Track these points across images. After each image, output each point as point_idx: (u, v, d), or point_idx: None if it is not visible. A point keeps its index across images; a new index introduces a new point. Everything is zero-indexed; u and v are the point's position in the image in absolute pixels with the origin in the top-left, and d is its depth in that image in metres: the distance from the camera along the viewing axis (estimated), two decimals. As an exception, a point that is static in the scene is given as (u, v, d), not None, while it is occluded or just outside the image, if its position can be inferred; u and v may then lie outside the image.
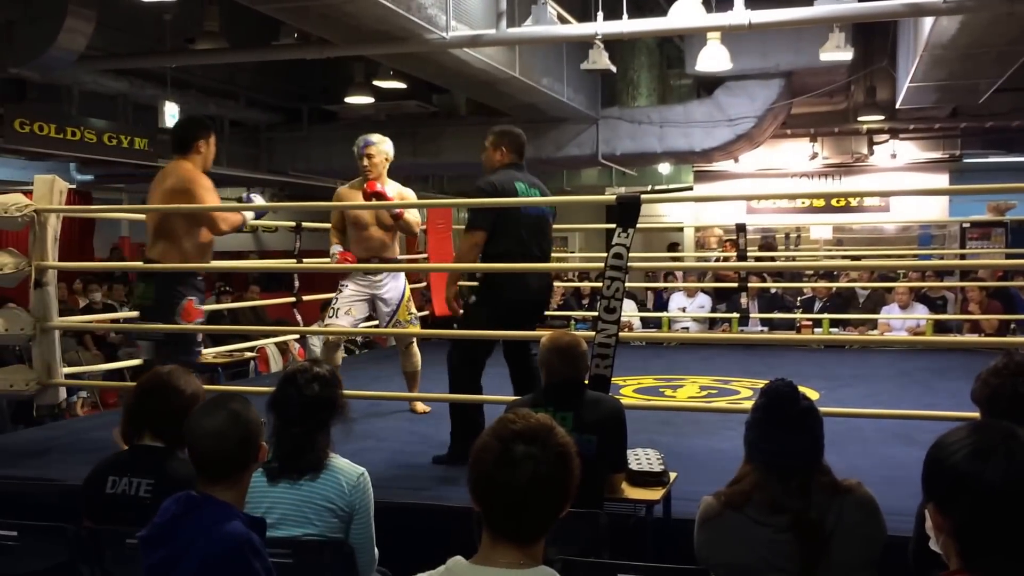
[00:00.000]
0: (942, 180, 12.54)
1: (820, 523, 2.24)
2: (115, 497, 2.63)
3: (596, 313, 4.20)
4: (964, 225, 11.02)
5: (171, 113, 9.01)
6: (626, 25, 6.49)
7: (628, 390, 6.38)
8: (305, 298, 6.80)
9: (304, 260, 6.87)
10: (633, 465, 3.35)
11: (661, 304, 9.70)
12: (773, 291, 9.43)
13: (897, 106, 9.93)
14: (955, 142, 12.27)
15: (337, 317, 5.37)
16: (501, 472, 1.64)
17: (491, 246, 4.39)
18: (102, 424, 5.11)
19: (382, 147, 5.33)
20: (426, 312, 9.14)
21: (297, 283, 6.72)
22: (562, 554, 2.58)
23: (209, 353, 7.65)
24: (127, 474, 2.66)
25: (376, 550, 2.73)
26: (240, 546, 2.02)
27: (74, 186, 11.26)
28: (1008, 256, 10.01)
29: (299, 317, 6.94)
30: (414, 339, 5.64)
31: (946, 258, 11.18)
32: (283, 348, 8.55)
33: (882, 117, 11.15)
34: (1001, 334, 8.25)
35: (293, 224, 6.99)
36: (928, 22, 6.73)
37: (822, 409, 4.73)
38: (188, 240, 4.67)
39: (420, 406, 5.54)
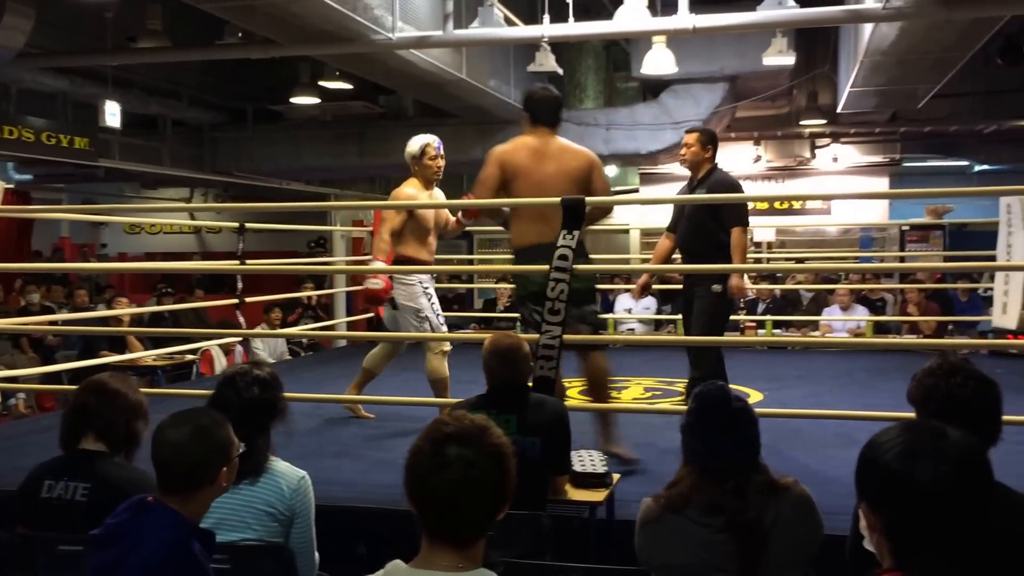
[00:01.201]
0: (882, 184, 12.78)
1: (758, 523, 2.26)
2: (50, 501, 2.59)
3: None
4: (904, 228, 11.26)
5: (111, 112, 8.84)
6: (572, 28, 6.52)
7: (573, 392, 6.39)
8: (248, 300, 6.71)
9: (248, 261, 6.77)
10: (577, 467, 3.36)
11: (607, 306, 9.75)
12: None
13: (838, 111, 10.10)
14: (895, 146, 12.49)
15: (442, 324, 5.26)
16: (433, 474, 1.63)
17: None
18: (41, 428, 5.00)
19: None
20: (372, 314, 9.12)
21: (240, 285, 6.63)
22: (505, 556, 2.57)
23: (149, 355, 7.55)
24: (64, 478, 2.61)
25: (317, 554, 2.70)
26: (181, 556, 2.01)
27: (11, 185, 11.01)
28: (946, 259, 10.26)
29: (242, 319, 6.84)
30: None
31: (886, 260, 11.40)
32: (228, 350, 8.44)
33: (824, 121, 11.33)
34: (939, 335, 8.45)
35: (237, 225, 6.89)
36: (868, 28, 6.85)
37: (765, 410, 4.81)
38: None
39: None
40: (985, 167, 12.68)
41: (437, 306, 5.28)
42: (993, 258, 6.82)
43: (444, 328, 5.27)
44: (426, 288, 5.21)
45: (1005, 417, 2.41)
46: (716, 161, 4.95)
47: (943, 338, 8.16)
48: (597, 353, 4.48)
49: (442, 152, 5.17)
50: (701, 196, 4.80)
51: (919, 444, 1.52)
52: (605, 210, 4.56)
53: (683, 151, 5.01)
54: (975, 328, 8.59)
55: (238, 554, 2.47)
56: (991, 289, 7.04)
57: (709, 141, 4.93)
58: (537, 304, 4.16)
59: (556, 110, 4.39)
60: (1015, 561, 1.92)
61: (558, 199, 4.04)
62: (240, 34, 7.94)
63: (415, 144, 5.18)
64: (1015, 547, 2.03)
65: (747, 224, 4.83)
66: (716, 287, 4.79)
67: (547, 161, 4.28)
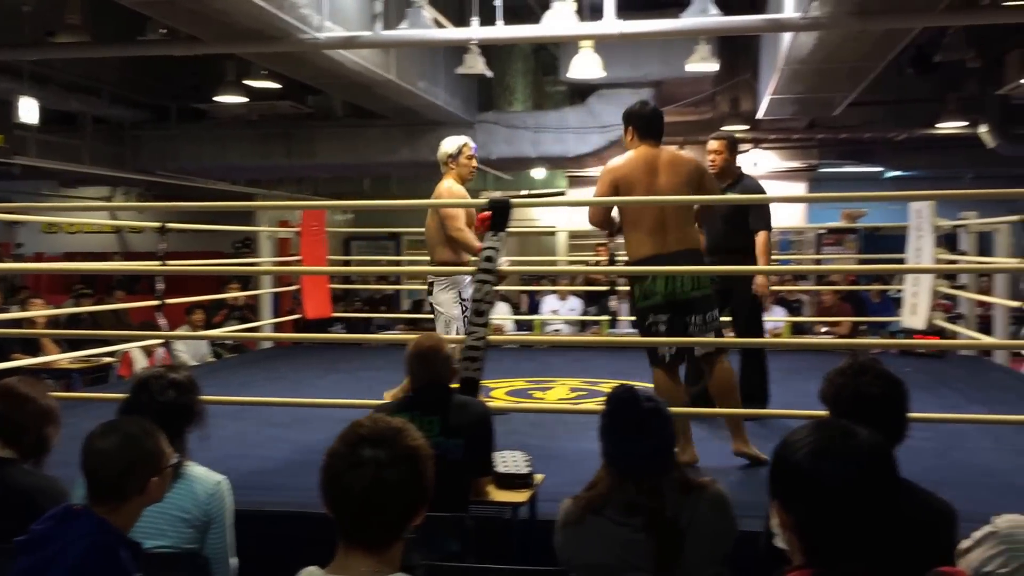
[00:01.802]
0: (800, 188, 13.13)
1: (674, 521, 2.30)
2: None
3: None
4: (820, 232, 11.58)
5: (28, 108, 8.59)
6: (500, 31, 6.56)
7: (499, 392, 6.45)
8: (169, 301, 6.60)
9: (170, 262, 6.66)
10: (500, 467, 3.38)
11: (534, 307, 9.83)
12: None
13: (759, 117, 10.33)
14: (812, 152, 12.82)
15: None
16: (345, 477, 1.61)
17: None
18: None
19: None
20: (298, 315, 9.04)
21: (161, 286, 6.51)
22: (427, 559, 2.60)
23: (64, 358, 7.36)
24: None
25: (235, 559, 2.67)
26: (107, 563, 1.98)
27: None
28: (859, 261, 10.59)
29: (163, 321, 6.72)
30: None
31: (803, 263, 11.71)
32: (149, 352, 8.29)
33: (745, 127, 11.58)
34: (852, 335, 8.72)
35: (158, 225, 6.77)
36: (787, 38, 7.03)
37: (685, 410, 4.91)
38: None
39: None
40: (897, 173, 13.10)
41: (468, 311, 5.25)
42: (904, 261, 7.08)
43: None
44: (463, 298, 5.19)
45: (913, 415, 2.49)
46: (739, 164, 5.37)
47: (856, 338, 8.43)
48: (724, 359, 4.46)
49: (476, 153, 5.34)
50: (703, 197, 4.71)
51: (828, 443, 1.56)
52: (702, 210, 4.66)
53: (712, 158, 5.25)
54: (887, 328, 8.89)
55: (151, 562, 2.42)
56: (902, 291, 7.29)
57: (734, 148, 5.34)
58: (660, 312, 4.29)
59: (659, 123, 4.49)
60: (920, 556, 1.97)
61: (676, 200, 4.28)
62: (163, 30, 7.79)
63: (452, 144, 5.29)
64: (920, 542, 2.12)
65: (771, 228, 5.28)
66: (757, 287, 5.29)
67: (660, 173, 4.32)
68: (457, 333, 5.11)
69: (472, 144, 5.35)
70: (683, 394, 4.48)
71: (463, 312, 5.19)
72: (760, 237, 5.21)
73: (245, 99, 9.75)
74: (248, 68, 9.13)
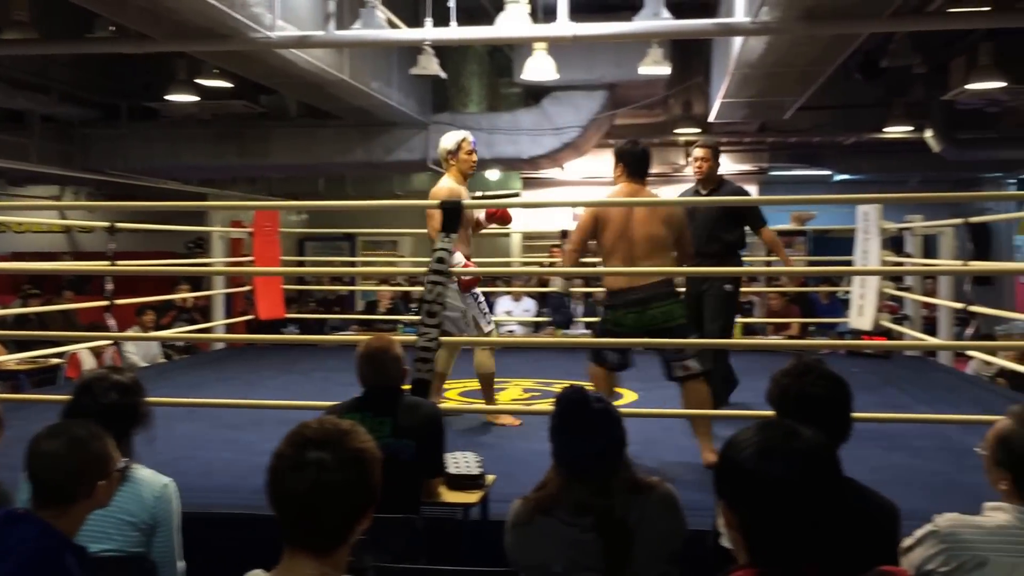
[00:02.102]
0: (751, 191, 13.27)
1: (623, 521, 2.31)
2: None
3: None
4: (771, 234, 11.69)
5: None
6: (454, 32, 6.56)
7: (453, 393, 6.46)
8: (119, 302, 6.51)
9: (120, 262, 6.57)
10: (451, 468, 3.40)
11: (488, 308, 9.83)
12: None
13: (710, 120, 10.44)
14: (763, 156, 12.99)
15: (489, 323, 5.40)
16: (288, 478, 1.61)
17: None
18: None
19: None
20: (251, 316, 8.96)
21: (110, 286, 6.42)
22: (378, 561, 2.60)
23: (12, 359, 7.23)
24: None
25: (183, 563, 2.65)
26: (51, 568, 1.96)
27: None
28: (808, 263, 10.74)
29: (112, 321, 6.62)
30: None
31: (754, 264, 11.85)
32: (98, 353, 8.17)
33: (697, 130, 11.68)
34: (802, 336, 8.85)
35: (108, 225, 6.68)
36: (738, 42, 7.11)
37: (637, 410, 4.96)
38: None
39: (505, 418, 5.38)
40: (845, 177, 13.32)
41: (483, 305, 5.38)
42: (851, 263, 7.21)
43: (490, 327, 5.36)
44: (462, 295, 5.25)
45: (859, 414, 2.53)
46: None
47: (806, 339, 8.56)
48: (699, 382, 4.58)
49: (476, 147, 5.36)
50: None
51: (772, 443, 1.57)
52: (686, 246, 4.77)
53: (698, 164, 5.59)
54: (835, 329, 9.03)
55: (97, 566, 2.39)
56: (850, 292, 7.42)
57: (717, 153, 5.66)
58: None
59: (647, 163, 4.69)
60: (864, 554, 1.99)
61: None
62: (112, 28, 7.69)
63: (451, 140, 5.33)
64: (864, 540, 2.16)
65: (768, 223, 5.68)
66: (728, 287, 5.51)
67: (636, 212, 4.50)
68: (467, 327, 5.22)
69: (471, 138, 5.37)
70: (613, 396, 4.64)
71: (476, 301, 5.31)
72: (767, 233, 5.63)
73: (197, 98, 9.64)
74: (200, 67, 9.04)
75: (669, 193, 13.54)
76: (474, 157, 5.38)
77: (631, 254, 4.47)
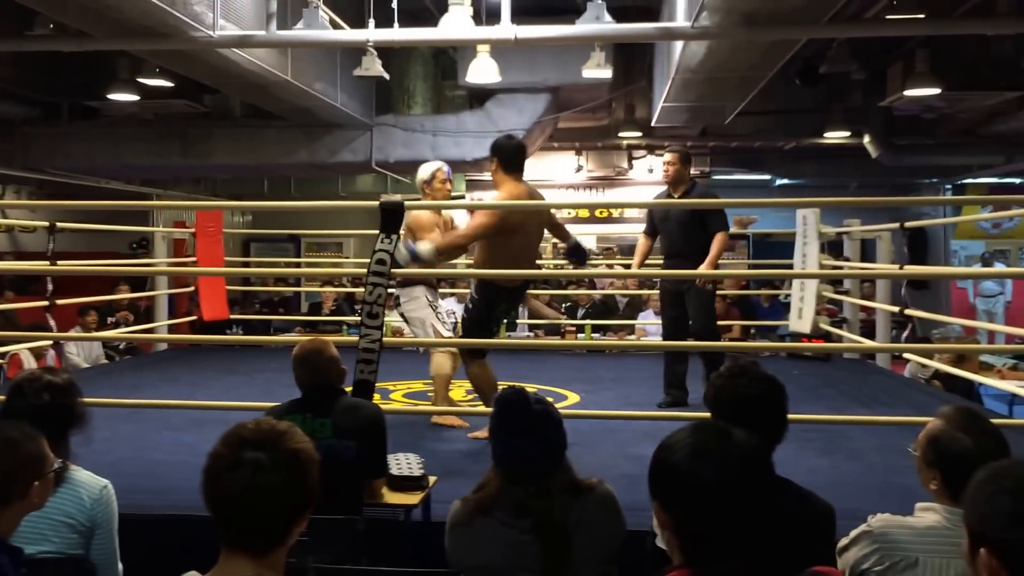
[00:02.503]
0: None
1: (562, 523, 2.33)
2: None
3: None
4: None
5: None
6: (397, 33, 6.54)
7: (397, 395, 6.45)
8: (59, 302, 6.39)
9: (61, 262, 6.43)
10: (394, 470, 3.40)
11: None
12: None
13: (653, 124, 10.53)
14: (705, 160, 13.14)
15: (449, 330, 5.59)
16: (224, 479, 1.60)
17: None
18: None
19: None
20: (195, 317, 8.84)
21: (51, 286, 6.30)
22: (318, 562, 2.60)
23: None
24: None
25: (120, 565, 2.62)
26: None
27: None
28: (750, 266, 10.90)
29: (52, 322, 6.50)
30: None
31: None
32: (39, 354, 8.00)
33: (640, 134, 11.81)
34: (743, 339, 8.97)
35: (47, 224, 6.55)
36: (679, 46, 7.19)
37: (579, 411, 4.99)
38: None
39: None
40: (785, 181, 13.53)
41: (443, 315, 5.63)
42: (791, 266, 7.32)
43: (444, 331, 5.55)
44: (431, 301, 5.58)
45: (796, 416, 2.57)
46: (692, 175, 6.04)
47: (747, 342, 8.68)
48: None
49: (451, 176, 5.63)
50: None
51: (705, 444, 1.61)
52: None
53: (665, 168, 5.93)
54: (776, 332, 9.18)
55: (35, 568, 2.37)
56: (790, 296, 7.54)
57: (687, 160, 5.93)
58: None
59: (522, 158, 5.00)
60: (798, 554, 2.02)
61: None
62: (52, 25, 7.54)
63: (426, 171, 5.60)
64: (798, 540, 2.20)
65: (728, 229, 5.79)
66: (708, 285, 5.82)
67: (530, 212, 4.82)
68: (435, 330, 5.48)
69: (445, 168, 5.62)
70: (495, 380, 4.98)
71: (435, 311, 5.57)
72: (719, 237, 5.68)
73: (138, 97, 9.48)
74: (142, 66, 8.89)
75: (617, 195, 13.72)
76: (448, 186, 5.60)
77: (514, 255, 4.78)
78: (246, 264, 12.81)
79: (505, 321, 5.52)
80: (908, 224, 7.09)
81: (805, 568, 1.80)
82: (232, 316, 9.35)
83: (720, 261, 6.01)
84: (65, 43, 6.83)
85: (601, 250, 13.20)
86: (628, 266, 11.43)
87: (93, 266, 8.01)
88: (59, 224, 6.69)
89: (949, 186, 13.50)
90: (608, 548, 2.41)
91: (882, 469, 4.48)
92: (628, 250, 13.38)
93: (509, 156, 4.92)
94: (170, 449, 4.73)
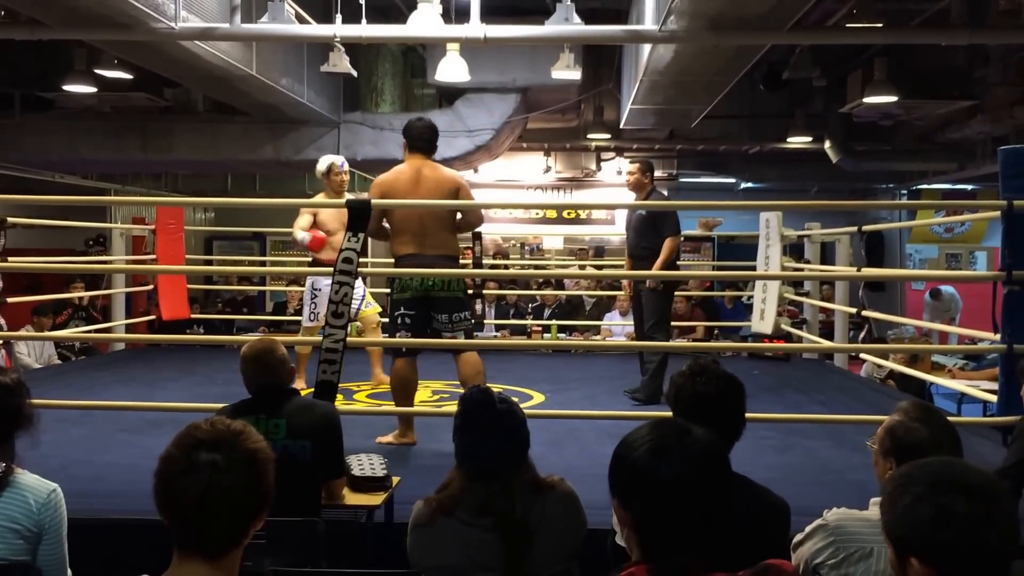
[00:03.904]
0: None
1: (524, 521, 2.33)
2: None
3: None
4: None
5: None
6: (364, 29, 6.49)
7: (361, 395, 6.40)
8: (10, 300, 6.25)
9: (10, 259, 6.30)
10: (356, 471, 3.35)
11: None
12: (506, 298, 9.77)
13: (621, 126, 10.58)
14: (672, 162, 13.22)
15: (317, 320, 6.02)
16: (179, 482, 1.56)
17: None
18: None
19: None
20: (153, 316, 8.71)
21: (1, 284, 6.16)
22: (276, 564, 2.55)
23: None
24: None
25: (69, 571, 2.54)
26: None
27: None
28: (714, 268, 10.98)
29: (1, 320, 6.37)
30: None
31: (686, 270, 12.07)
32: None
33: (608, 136, 11.85)
34: (707, 339, 9.03)
35: (-1, 219, 6.41)
36: (647, 49, 7.22)
37: (544, 411, 4.99)
38: None
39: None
40: (749, 184, 13.64)
41: (320, 306, 5.97)
42: (755, 268, 7.39)
43: (312, 323, 6.20)
44: (315, 292, 6.18)
45: (756, 414, 2.59)
46: (655, 185, 6.44)
47: (710, 342, 8.73)
48: (468, 354, 4.96)
49: (346, 168, 6.23)
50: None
51: (664, 441, 1.60)
52: (473, 223, 5.10)
53: (628, 177, 6.34)
54: (738, 332, 9.24)
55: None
56: (752, 297, 7.60)
57: (648, 170, 6.29)
58: (409, 308, 4.79)
59: (429, 137, 5.02)
60: (753, 549, 2.05)
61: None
62: (2, 12, 7.38)
63: (323, 164, 6.19)
64: (753, 535, 2.20)
65: (678, 233, 6.12)
66: (660, 286, 6.10)
67: (421, 185, 4.82)
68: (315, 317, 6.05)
69: (340, 161, 6.22)
70: (416, 380, 5.04)
71: (313, 300, 6.18)
72: (667, 241, 5.97)
73: (96, 89, 9.30)
74: (99, 56, 8.72)
75: (585, 196, 13.75)
76: (343, 177, 6.18)
77: (422, 227, 4.78)
78: (209, 262, 12.66)
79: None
80: (866, 228, 7.17)
81: (758, 562, 1.81)
82: (193, 315, 9.22)
83: (686, 263, 6.13)
84: (16, 31, 6.63)
85: (575, 250, 13.23)
86: (598, 267, 11.52)
87: (46, 263, 7.86)
88: (11, 220, 6.54)
89: (905, 191, 13.69)
90: (569, 546, 2.42)
91: (838, 466, 4.53)
92: (600, 251, 13.48)
93: (414, 135, 5.01)
94: (123, 452, 4.61)
